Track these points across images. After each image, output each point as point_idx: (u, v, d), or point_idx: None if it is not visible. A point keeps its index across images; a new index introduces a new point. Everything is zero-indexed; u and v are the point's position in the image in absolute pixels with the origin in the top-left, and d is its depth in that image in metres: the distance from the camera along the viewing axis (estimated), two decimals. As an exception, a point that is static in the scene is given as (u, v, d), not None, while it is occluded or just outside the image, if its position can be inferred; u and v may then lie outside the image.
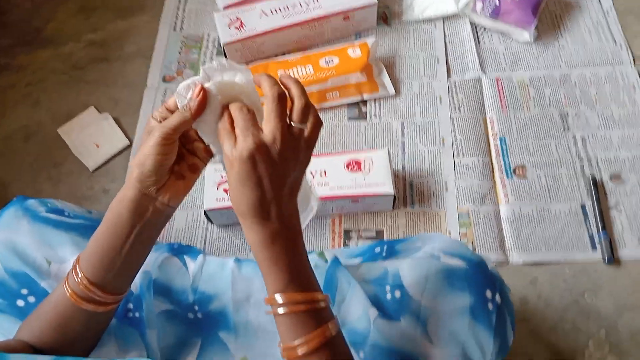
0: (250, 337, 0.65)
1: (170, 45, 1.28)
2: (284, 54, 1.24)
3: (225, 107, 0.52)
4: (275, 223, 0.51)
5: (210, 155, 0.57)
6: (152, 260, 0.68)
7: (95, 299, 0.54)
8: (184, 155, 0.57)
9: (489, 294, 0.63)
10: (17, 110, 1.22)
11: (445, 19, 1.28)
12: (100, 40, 1.32)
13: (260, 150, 0.49)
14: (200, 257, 0.69)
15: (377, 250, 0.75)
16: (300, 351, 0.49)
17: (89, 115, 1.19)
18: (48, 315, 0.55)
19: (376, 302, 0.63)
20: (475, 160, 1.08)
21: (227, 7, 1.24)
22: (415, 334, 0.60)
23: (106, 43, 1.31)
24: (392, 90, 1.17)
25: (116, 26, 1.34)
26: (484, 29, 1.26)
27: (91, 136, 1.15)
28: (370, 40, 1.17)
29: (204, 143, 0.56)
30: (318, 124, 0.54)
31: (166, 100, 0.56)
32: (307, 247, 1.00)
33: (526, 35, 1.21)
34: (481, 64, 1.21)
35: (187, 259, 0.69)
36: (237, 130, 0.50)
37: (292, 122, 0.52)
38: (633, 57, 1.20)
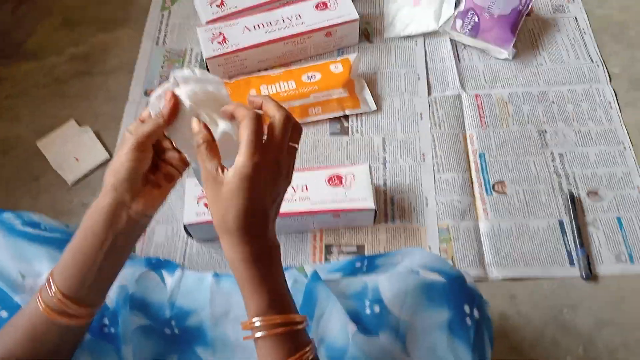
0: (227, 352, 0.65)
1: (152, 60, 1.28)
2: (266, 69, 1.25)
3: (203, 124, 0.52)
4: (263, 240, 0.51)
5: (185, 164, 0.57)
6: (129, 275, 0.67)
7: (68, 312, 0.53)
8: (159, 165, 0.57)
9: (467, 308, 0.63)
10: (-4, 123, 1.21)
11: (426, 36, 1.30)
12: (83, 53, 1.31)
13: (262, 167, 0.49)
14: (178, 272, 0.69)
15: (358, 265, 0.75)
16: None
17: (69, 128, 1.18)
18: (20, 330, 0.54)
19: (355, 317, 0.62)
20: (455, 176, 1.09)
21: (210, 21, 1.25)
22: (394, 350, 0.60)
23: (88, 56, 1.31)
24: (373, 106, 1.18)
25: (99, 40, 1.33)
26: (464, 46, 1.28)
27: (71, 150, 1.15)
28: (352, 57, 1.18)
29: (179, 152, 0.56)
30: (300, 134, 0.54)
31: (141, 113, 0.56)
32: (288, 262, 1.00)
33: (505, 53, 1.23)
34: (461, 81, 1.22)
35: (164, 273, 0.69)
36: (244, 142, 0.49)
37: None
38: (609, 75, 1.23)
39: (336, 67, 1.17)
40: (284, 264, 0.53)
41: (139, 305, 0.66)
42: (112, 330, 0.64)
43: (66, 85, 1.26)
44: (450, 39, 1.28)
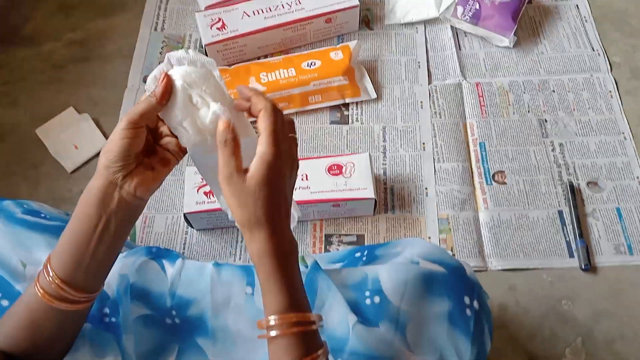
0: (228, 343, 0.65)
1: (151, 46, 1.27)
2: (266, 56, 1.24)
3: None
4: (287, 233, 0.52)
5: (182, 151, 0.57)
6: (130, 264, 0.67)
7: (66, 297, 0.53)
8: (156, 150, 0.57)
9: (467, 300, 0.63)
10: (-6, 110, 1.20)
11: (426, 23, 1.29)
12: (81, 39, 1.30)
13: (281, 156, 0.50)
14: (179, 261, 0.69)
15: (358, 255, 0.75)
16: None
17: (68, 115, 1.17)
18: (20, 317, 0.54)
19: (355, 307, 0.63)
20: (455, 165, 1.09)
21: (208, 7, 1.24)
22: (393, 340, 0.61)
23: (86, 42, 1.29)
24: (373, 94, 1.17)
25: (97, 25, 1.32)
26: (465, 34, 1.27)
27: (70, 137, 1.14)
28: (352, 44, 1.17)
29: (176, 137, 0.56)
30: (293, 125, 0.56)
31: (140, 98, 0.56)
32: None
33: (506, 40, 1.22)
34: (462, 69, 1.22)
35: (165, 263, 0.69)
36: (268, 132, 0.50)
37: None
38: (610, 64, 1.22)
39: (336, 55, 1.16)
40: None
41: (140, 295, 0.66)
42: (113, 319, 0.64)
43: (64, 71, 1.25)
44: (451, 27, 1.27)
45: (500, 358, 0.91)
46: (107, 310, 0.64)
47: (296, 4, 1.21)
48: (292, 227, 0.57)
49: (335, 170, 0.99)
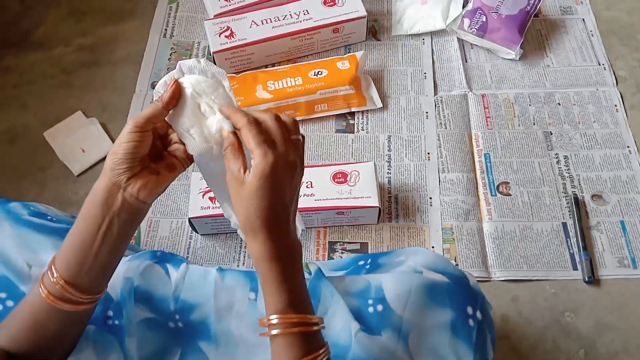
0: (231, 347, 0.65)
1: (160, 52, 1.28)
2: (273, 64, 1.25)
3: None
4: (285, 237, 0.52)
5: (189, 159, 0.58)
6: (134, 267, 0.67)
7: (70, 298, 0.53)
8: (164, 156, 0.58)
9: (470, 310, 0.63)
10: (3, 113, 1.21)
11: (433, 35, 1.29)
12: (90, 44, 1.31)
13: (278, 164, 0.50)
14: (183, 266, 0.69)
15: (361, 263, 0.75)
16: None
17: (76, 119, 1.18)
18: (24, 317, 0.55)
19: (358, 315, 0.63)
20: (460, 176, 1.09)
21: (217, 15, 1.25)
22: (396, 349, 0.61)
23: (96, 48, 1.31)
24: (379, 104, 1.18)
25: (106, 31, 1.34)
26: (471, 45, 1.28)
27: (77, 141, 1.15)
28: (359, 54, 1.18)
29: (184, 144, 0.57)
30: (296, 126, 0.56)
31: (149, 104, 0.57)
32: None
33: (512, 53, 1.23)
34: (468, 80, 1.22)
35: (169, 267, 0.69)
36: (254, 145, 0.50)
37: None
38: (616, 78, 1.22)
39: (343, 64, 1.17)
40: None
41: (144, 298, 0.66)
42: (117, 322, 0.64)
43: (73, 75, 1.26)
44: (458, 38, 1.28)
45: (502, 369, 0.91)
46: (110, 312, 0.65)
47: (304, 13, 1.22)
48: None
49: (340, 178, 1.00)
